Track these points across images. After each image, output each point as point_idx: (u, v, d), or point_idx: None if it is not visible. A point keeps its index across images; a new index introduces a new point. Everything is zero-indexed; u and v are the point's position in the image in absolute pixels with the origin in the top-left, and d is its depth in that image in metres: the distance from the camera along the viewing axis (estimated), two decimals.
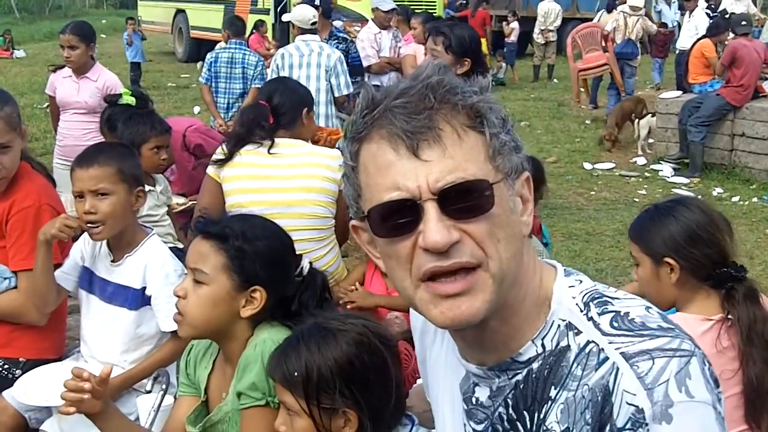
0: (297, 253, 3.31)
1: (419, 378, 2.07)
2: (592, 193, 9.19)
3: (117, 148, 2.96)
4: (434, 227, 1.12)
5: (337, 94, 6.74)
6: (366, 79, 8.13)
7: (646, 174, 10.09)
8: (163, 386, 2.57)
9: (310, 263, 2.27)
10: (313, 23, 7.00)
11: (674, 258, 2.39)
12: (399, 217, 1.14)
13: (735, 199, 8.94)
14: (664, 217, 2.45)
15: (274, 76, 6.80)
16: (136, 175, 2.83)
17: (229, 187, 3.41)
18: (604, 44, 12.53)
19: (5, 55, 20.98)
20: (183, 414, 2.24)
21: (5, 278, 2.94)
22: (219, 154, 3.48)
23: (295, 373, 1.79)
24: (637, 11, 12.76)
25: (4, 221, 2.92)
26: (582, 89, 13.38)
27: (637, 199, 8.93)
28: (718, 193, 9.19)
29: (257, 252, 2.11)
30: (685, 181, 9.67)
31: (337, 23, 10.10)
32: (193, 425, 2.17)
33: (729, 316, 2.33)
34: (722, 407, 1.16)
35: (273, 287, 2.12)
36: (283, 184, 3.43)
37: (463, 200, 1.13)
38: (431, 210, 1.12)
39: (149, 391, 2.77)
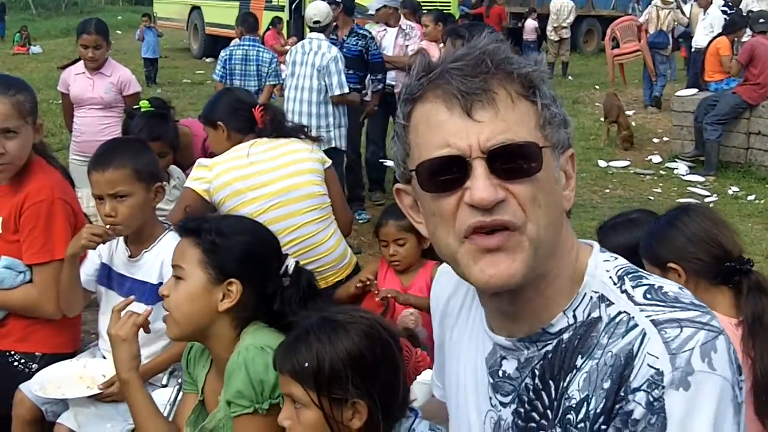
0: (305, 236, 3.44)
1: (419, 376, 2.09)
2: (607, 191, 9.16)
3: (132, 146, 2.96)
4: (482, 184, 1.14)
5: (330, 94, 6.83)
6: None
7: (661, 172, 10.04)
8: (179, 380, 2.59)
9: (297, 262, 2.29)
10: (316, 21, 7.04)
11: (677, 262, 2.40)
12: (447, 173, 1.17)
13: (751, 197, 8.88)
14: (665, 227, 2.48)
15: (288, 70, 6.99)
16: (152, 172, 2.84)
17: (221, 195, 3.42)
18: (640, 36, 13.78)
19: (22, 51, 21.10)
20: (187, 410, 2.27)
21: (20, 272, 2.95)
22: (201, 170, 3.49)
23: (306, 365, 1.79)
24: (668, 5, 13.76)
25: (17, 215, 2.93)
26: (618, 74, 14.54)
27: (651, 198, 8.90)
28: (734, 191, 9.14)
29: (231, 245, 2.15)
30: (701, 179, 9.63)
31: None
32: (193, 427, 2.19)
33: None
34: (742, 394, 1.16)
35: (250, 281, 2.15)
36: (275, 174, 3.50)
37: (512, 161, 1.15)
38: (479, 168, 1.15)
39: (165, 385, 2.79)
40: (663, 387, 1.12)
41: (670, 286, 1.23)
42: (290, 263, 2.25)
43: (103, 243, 2.80)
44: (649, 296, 1.21)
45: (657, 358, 1.13)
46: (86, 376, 2.87)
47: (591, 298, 1.24)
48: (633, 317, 1.19)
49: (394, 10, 8.79)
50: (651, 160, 10.59)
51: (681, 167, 10.08)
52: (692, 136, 10.23)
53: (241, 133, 3.66)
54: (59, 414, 2.83)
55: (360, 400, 1.78)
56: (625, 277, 1.25)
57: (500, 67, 1.18)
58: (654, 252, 2.47)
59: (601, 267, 1.27)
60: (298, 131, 3.76)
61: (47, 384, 2.81)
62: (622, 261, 1.29)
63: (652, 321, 1.17)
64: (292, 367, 1.82)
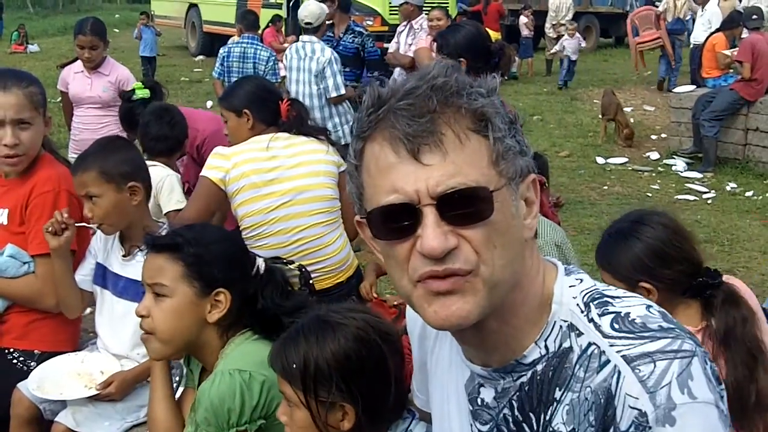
0: (312, 237, 3.46)
1: None
2: (605, 187, 9.16)
3: (105, 147, 2.91)
4: (431, 233, 1.12)
5: (327, 97, 6.81)
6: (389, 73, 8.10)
7: (660, 169, 10.05)
8: (177, 378, 2.59)
9: (265, 261, 2.29)
10: (307, 23, 7.02)
11: (648, 281, 2.33)
12: (398, 221, 1.15)
13: (749, 194, 8.89)
14: (628, 240, 2.37)
15: (288, 75, 6.98)
16: (123, 172, 2.79)
17: (237, 186, 3.42)
18: (658, 24, 15.00)
19: (19, 50, 21.09)
20: (186, 404, 2.28)
21: (24, 263, 2.95)
22: (217, 159, 3.48)
23: (294, 365, 1.80)
24: None
25: (24, 206, 2.94)
26: (639, 60, 15.53)
27: (650, 194, 8.91)
28: (732, 187, 9.15)
29: (213, 255, 2.12)
30: (699, 175, 9.63)
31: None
32: (194, 426, 2.20)
33: (710, 323, 2.31)
34: (725, 405, 1.16)
35: (234, 287, 2.14)
36: (290, 172, 3.48)
37: (463, 206, 1.13)
38: (430, 215, 1.13)
39: None
40: (650, 427, 1.11)
41: (637, 311, 1.20)
42: (260, 263, 2.25)
43: (55, 233, 2.77)
44: (616, 326, 1.19)
45: (636, 398, 1.13)
46: (84, 372, 2.88)
47: (561, 327, 1.23)
48: (604, 351, 1.18)
49: (415, 8, 8.79)
50: (649, 156, 10.59)
51: (679, 164, 10.09)
52: (690, 133, 10.24)
53: (265, 123, 3.62)
54: (57, 412, 2.83)
55: (347, 403, 1.78)
56: (591, 304, 1.23)
57: (448, 103, 1.15)
58: (622, 269, 2.37)
59: (567, 293, 1.25)
60: (319, 132, 3.72)
61: (45, 382, 2.81)
62: (587, 283, 1.27)
63: (624, 357, 1.15)
64: (282, 367, 1.84)
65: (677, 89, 11.32)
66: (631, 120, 11.84)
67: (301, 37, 7.08)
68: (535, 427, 1.24)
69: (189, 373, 2.35)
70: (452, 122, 1.14)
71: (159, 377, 2.27)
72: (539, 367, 1.24)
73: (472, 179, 1.13)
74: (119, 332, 2.92)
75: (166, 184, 3.75)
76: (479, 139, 1.15)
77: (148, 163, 3.96)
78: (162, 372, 2.27)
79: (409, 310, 1.53)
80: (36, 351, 3.02)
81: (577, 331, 1.22)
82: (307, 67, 6.82)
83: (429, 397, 1.53)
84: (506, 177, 1.17)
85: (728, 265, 6.61)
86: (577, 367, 1.20)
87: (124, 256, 2.88)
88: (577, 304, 1.24)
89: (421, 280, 1.15)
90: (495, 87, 1.20)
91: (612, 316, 1.21)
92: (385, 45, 9.93)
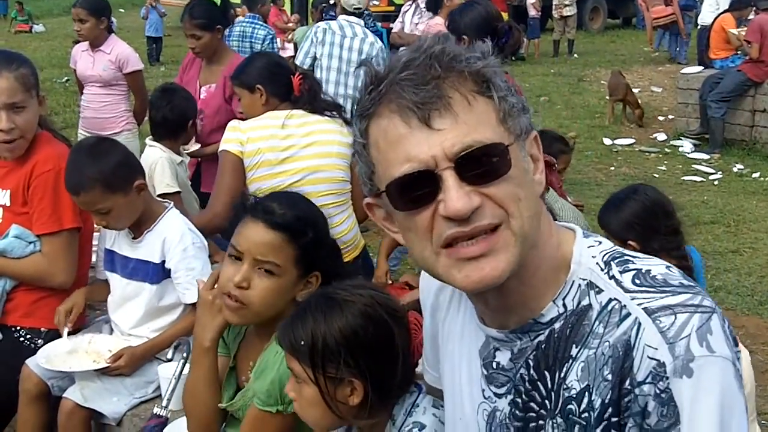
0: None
1: None
2: (612, 168, 9.15)
3: (94, 155, 2.80)
4: (455, 195, 1.12)
5: None
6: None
7: (666, 150, 10.03)
8: (184, 354, 2.60)
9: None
10: (357, 8, 6.89)
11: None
12: (417, 189, 1.15)
13: (755, 175, 8.87)
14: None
15: (313, 48, 6.76)
16: (125, 176, 2.77)
17: (252, 161, 3.42)
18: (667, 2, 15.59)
19: (24, 29, 21.05)
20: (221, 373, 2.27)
21: (30, 242, 2.96)
22: (234, 132, 3.47)
23: (302, 342, 1.80)
24: None
25: (26, 186, 2.94)
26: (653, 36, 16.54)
27: (656, 175, 8.89)
28: (739, 169, 9.13)
29: (325, 242, 2.14)
30: (705, 157, 9.61)
31: None
32: (223, 391, 2.20)
33: None
34: (740, 365, 1.16)
35: (327, 267, 2.15)
36: (304, 151, 3.47)
37: (481, 165, 1.13)
38: (450, 178, 1.13)
39: (170, 360, 2.80)
40: (667, 378, 1.12)
41: (658, 268, 1.21)
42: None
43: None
44: (638, 281, 1.20)
45: (656, 349, 1.13)
46: (92, 351, 2.90)
47: (579, 285, 1.24)
48: (625, 305, 1.18)
49: None
50: (656, 137, 10.57)
51: (686, 145, 10.06)
52: (697, 114, 10.21)
53: (279, 98, 3.61)
54: (65, 389, 2.84)
55: (355, 378, 1.79)
56: (611, 263, 1.24)
57: (450, 68, 1.15)
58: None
59: (587, 253, 1.26)
60: (333, 108, 3.69)
61: (54, 357, 2.83)
62: (606, 245, 1.28)
63: (645, 309, 1.16)
64: (290, 344, 1.84)
65: (685, 70, 11.26)
66: (638, 101, 11.79)
67: (343, 17, 6.89)
68: (549, 385, 1.25)
69: (221, 341, 2.29)
70: (457, 85, 1.15)
71: (207, 362, 2.18)
72: (557, 326, 1.24)
73: (486, 137, 1.14)
74: (130, 312, 2.94)
75: (158, 167, 3.77)
76: (485, 100, 1.17)
77: (148, 143, 3.99)
78: (210, 359, 2.19)
79: (422, 281, 1.53)
80: (42, 329, 3.04)
81: (597, 289, 1.22)
82: (357, 47, 6.53)
83: (440, 370, 1.53)
84: (514, 134, 1.18)
85: (734, 245, 6.60)
86: (597, 323, 1.20)
87: (134, 238, 2.89)
88: (597, 263, 1.25)
89: (448, 246, 1.16)
90: (488, 50, 1.21)
91: (633, 272, 1.21)
92: (391, 25, 9.87)
